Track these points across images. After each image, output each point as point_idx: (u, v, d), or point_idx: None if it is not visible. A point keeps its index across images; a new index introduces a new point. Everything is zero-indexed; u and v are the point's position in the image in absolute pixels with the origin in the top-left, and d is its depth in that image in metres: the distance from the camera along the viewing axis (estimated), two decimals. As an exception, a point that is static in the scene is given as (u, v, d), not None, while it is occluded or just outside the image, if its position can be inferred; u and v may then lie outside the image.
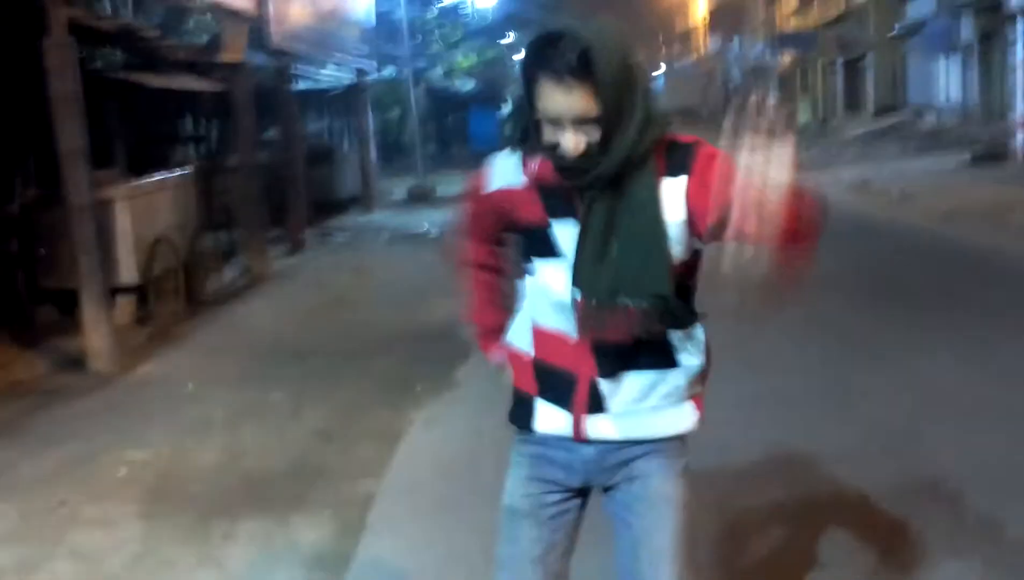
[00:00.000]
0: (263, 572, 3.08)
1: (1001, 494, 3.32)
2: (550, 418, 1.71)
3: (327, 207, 12.67)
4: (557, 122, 1.54)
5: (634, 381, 1.67)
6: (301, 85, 12.17)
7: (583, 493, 1.78)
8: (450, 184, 13.02)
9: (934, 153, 16.08)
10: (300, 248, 10.19)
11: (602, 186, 1.57)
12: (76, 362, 5.62)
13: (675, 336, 1.68)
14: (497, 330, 1.84)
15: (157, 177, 6.96)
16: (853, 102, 26.95)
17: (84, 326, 5.54)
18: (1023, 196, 10.83)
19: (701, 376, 1.73)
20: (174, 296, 6.81)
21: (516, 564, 1.74)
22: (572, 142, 1.54)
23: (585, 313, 1.63)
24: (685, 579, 1.70)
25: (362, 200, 14.19)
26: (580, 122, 1.52)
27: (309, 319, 6.88)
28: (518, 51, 35.71)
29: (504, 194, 1.70)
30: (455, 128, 25.42)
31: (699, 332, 1.72)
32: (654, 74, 48.52)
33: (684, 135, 1.64)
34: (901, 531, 3.11)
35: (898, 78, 24.03)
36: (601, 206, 1.58)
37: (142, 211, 6.40)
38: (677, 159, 1.59)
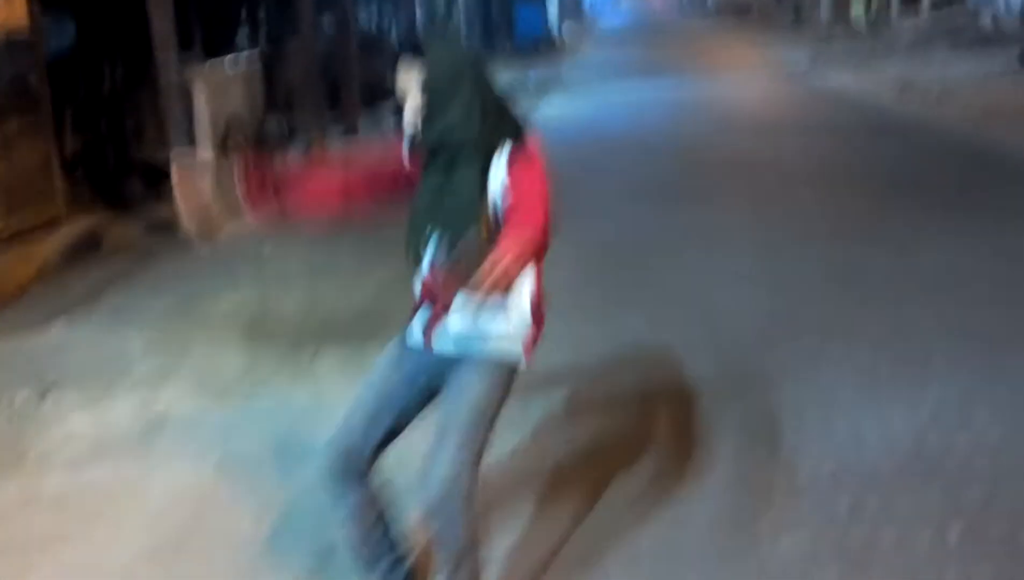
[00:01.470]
0: (346, 386, 3.79)
1: (965, 344, 3.97)
2: (416, 332, 2.28)
3: (377, 94, 13.14)
4: (404, 97, 2.13)
5: (466, 312, 2.20)
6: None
7: (429, 391, 2.29)
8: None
9: (985, 53, 15.91)
10: (354, 131, 10.76)
11: (434, 154, 2.14)
12: (165, 227, 6.34)
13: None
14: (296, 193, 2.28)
15: (228, 61, 7.52)
16: (910, -3, 26.21)
17: (173, 194, 6.23)
18: (1063, 98, 10.94)
19: (528, 321, 2.23)
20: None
21: (354, 409, 2.30)
22: (408, 110, 2.14)
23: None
24: (465, 451, 2.14)
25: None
26: (416, 99, 2.11)
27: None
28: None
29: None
30: (500, 22, 25.32)
31: (523, 286, 2.21)
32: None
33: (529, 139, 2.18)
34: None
35: (958, -27, 23.29)
36: (437, 171, 2.15)
37: (217, 92, 6.98)
38: (513, 152, 2.14)
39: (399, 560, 2.40)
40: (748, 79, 15.47)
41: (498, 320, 2.23)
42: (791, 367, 3.84)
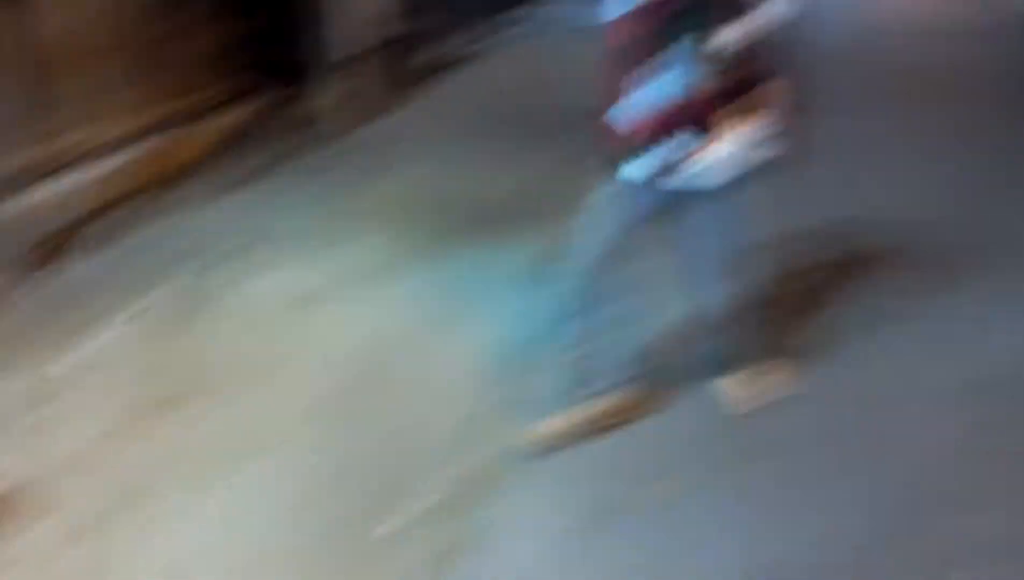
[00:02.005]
0: (485, 277, 3.91)
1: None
2: (645, 166, 2.49)
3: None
4: None
5: (702, 143, 2.42)
6: None
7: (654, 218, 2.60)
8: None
9: None
10: (492, 33, 10.66)
11: (681, 11, 2.32)
12: (311, 121, 6.53)
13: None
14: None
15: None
16: None
17: (313, 93, 6.42)
18: None
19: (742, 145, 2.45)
20: (384, 71, 7.57)
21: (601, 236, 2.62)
22: None
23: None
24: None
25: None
26: None
27: (506, 96, 7.51)
28: None
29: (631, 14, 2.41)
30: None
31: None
32: None
33: None
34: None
35: None
36: (678, 24, 2.34)
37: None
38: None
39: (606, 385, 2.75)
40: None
41: (723, 149, 2.44)
42: (930, 275, 3.81)
